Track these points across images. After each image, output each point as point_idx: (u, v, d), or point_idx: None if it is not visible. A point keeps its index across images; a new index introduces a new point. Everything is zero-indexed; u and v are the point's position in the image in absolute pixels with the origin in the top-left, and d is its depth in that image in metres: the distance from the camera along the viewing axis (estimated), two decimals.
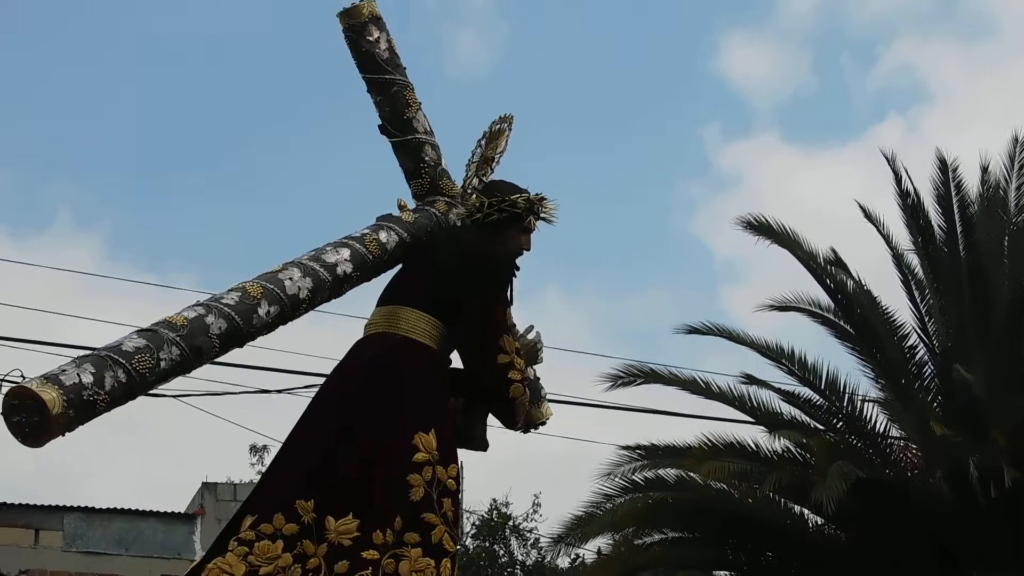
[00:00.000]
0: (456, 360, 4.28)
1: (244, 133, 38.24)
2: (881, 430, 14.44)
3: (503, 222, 4.36)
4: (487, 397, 4.25)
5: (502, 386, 4.17)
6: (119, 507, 15.67)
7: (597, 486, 14.63)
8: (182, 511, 16.25)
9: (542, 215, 4.41)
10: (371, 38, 4.36)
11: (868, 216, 14.25)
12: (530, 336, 4.40)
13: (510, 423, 4.29)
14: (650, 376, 14.60)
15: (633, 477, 14.72)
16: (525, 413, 4.26)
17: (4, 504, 15.47)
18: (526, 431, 4.39)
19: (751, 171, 38.96)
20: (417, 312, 4.18)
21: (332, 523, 3.87)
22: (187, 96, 37.94)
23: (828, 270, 14.31)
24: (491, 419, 4.35)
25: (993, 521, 13.09)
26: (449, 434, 4.10)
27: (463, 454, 4.24)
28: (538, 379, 4.42)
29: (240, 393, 11.83)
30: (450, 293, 4.18)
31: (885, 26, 39.15)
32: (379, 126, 4.47)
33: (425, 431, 4.01)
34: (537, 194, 4.42)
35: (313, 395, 4.24)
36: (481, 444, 4.34)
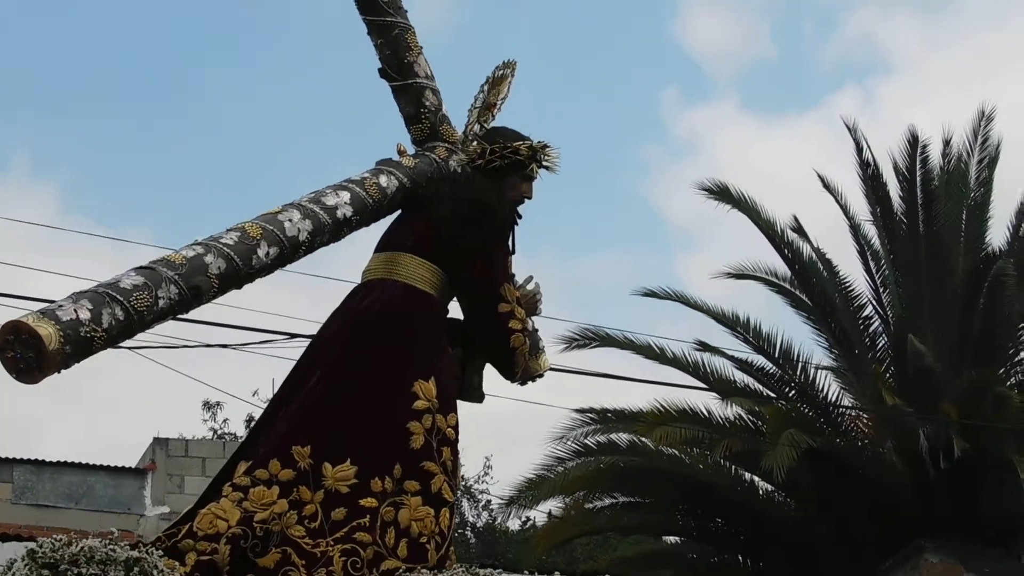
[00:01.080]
0: (455, 309, 4.21)
1: (204, 84, 37.60)
2: (833, 399, 14.56)
3: (505, 169, 4.30)
4: (486, 347, 4.19)
5: (502, 336, 4.11)
6: (69, 460, 15.50)
7: (549, 449, 14.65)
8: (133, 466, 16.09)
9: (544, 163, 4.34)
10: None
11: (827, 186, 14.32)
12: (529, 287, 4.34)
13: (509, 374, 4.22)
14: (605, 340, 14.60)
15: (585, 441, 14.73)
16: (524, 364, 4.20)
17: None
18: (524, 383, 4.32)
19: (707, 137, 38.94)
20: (417, 259, 4.11)
21: (329, 470, 3.80)
22: (137, 43, 37.32)
23: (785, 238, 14.36)
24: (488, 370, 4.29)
25: (942, 492, 13.23)
26: (449, 383, 4.04)
27: None
28: (536, 330, 4.35)
29: (197, 347, 11.64)
30: (450, 240, 4.10)
31: None
32: (379, 70, 4.36)
33: (425, 379, 3.95)
34: (540, 141, 4.35)
35: (310, 340, 4.16)
36: (478, 395, 4.27)
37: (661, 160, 39.03)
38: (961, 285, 13.58)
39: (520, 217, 4.28)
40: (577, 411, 14.60)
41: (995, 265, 13.20)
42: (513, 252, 4.23)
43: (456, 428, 4.00)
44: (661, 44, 38.22)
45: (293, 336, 12.02)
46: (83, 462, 15.53)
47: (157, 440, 16.04)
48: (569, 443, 14.63)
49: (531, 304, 4.31)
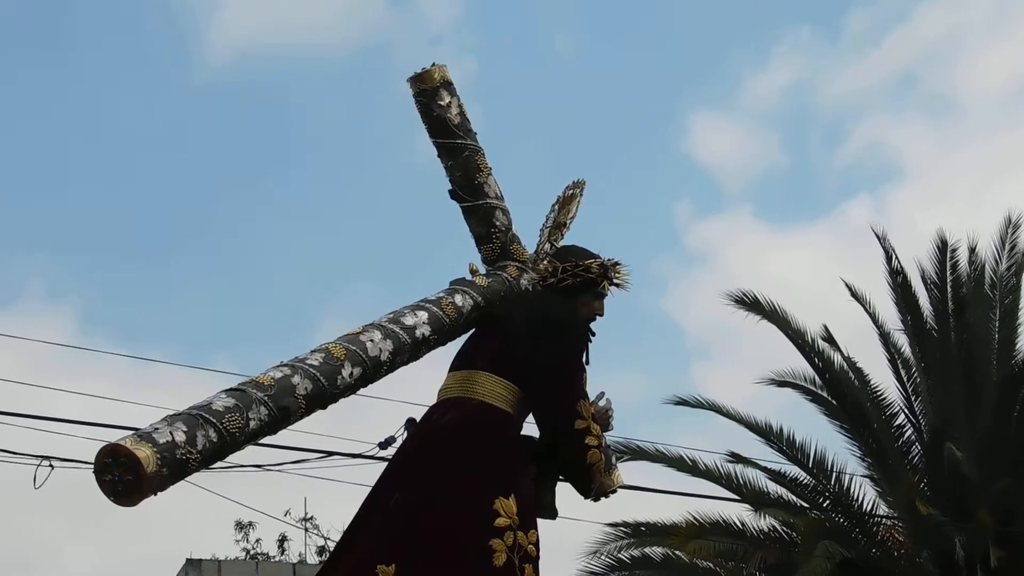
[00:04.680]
0: (529, 426, 4.26)
1: (212, 206, 38.04)
2: (868, 509, 14.46)
3: (577, 287, 4.38)
4: (561, 464, 4.22)
5: (579, 452, 4.14)
6: None
7: (583, 564, 14.57)
8: None
9: (616, 280, 4.42)
10: (442, 103, 4.39)
11: (855, 295, 14.35)
12: (601, 403, 4.37)
13: (584, 490, 4.25)
14: (637, 453, 14.55)
15: (619, 555, 14.65)
16: (600, 480, 4.23)
17: None
18: (597, 499, 4.36)
19: (721, 248, 39.10)
20: (493, 376, 4.17)
21: None
22: (153, 171, 37.79)
23: (815, 347, 14.37)
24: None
25: None
26: (529, 499, 4.07)
27: None
28: (609, 446, 4.38)
29: (232, 468, 11.61)
30: (525, 358, 4.16)
31: (853, 104, 39.51)
32: (449, 191, 4.48)
33: (505, 496, 3.99)
34: (610, 259, 4.44)
35: (390, 459, 4.20)
36: (551, 512, 4.28)
37: (675, 272, 39.15)
38: (995, 393, 13.56)
39: (594, 334, 4.34)
40: (610, 525, 14.55)
41: None
42: (588, 363, 4.27)
43: (537, 545, 4.02)
44: (672, 157, 38.54)
45: (329, 454, 12.00)
46: None
47: (190, 561, 15.97)
48: (603, 558, 14.55)
49: (603, 420, 4.34)
